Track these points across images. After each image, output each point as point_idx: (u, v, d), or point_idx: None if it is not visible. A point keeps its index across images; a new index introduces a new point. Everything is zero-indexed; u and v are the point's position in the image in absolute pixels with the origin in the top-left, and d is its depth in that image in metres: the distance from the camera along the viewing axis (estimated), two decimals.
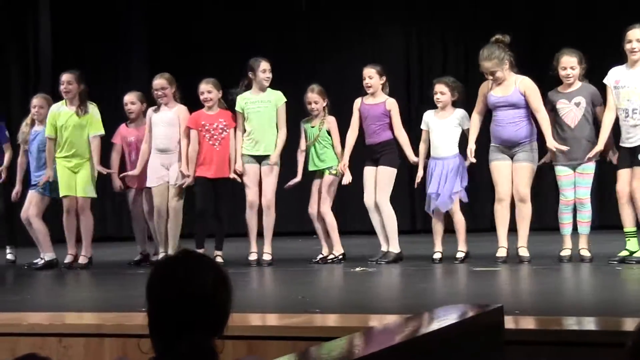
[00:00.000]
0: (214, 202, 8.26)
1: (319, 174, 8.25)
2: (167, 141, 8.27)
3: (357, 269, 7.50)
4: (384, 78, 8.07)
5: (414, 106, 11.56)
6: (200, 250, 7.83)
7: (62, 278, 7.86)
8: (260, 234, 8.25)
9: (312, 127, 8.23)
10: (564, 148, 7.27)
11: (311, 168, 8.26)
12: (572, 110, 7.36)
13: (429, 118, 7.89)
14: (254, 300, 5.60)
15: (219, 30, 12.63)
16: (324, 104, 8.20)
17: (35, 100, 8.75)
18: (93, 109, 8.42)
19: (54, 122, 8.37)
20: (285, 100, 8.24)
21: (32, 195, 8.59)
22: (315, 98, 8.16)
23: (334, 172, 8.16)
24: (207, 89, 8.24)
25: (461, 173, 7.74)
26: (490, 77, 7.47)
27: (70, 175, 8.34)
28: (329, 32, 12.51)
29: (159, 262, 2.57)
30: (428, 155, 7.92)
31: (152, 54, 12.87)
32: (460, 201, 7.82)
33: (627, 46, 7.09)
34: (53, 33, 12.05)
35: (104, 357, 4.44)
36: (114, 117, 9.19)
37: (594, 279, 6.62)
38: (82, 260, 8.43)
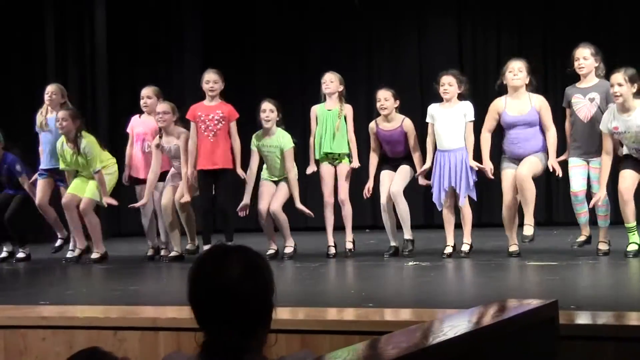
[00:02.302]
0: (215, 195, 8.17)
1: (331, 160, 8.21)
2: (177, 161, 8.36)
3: (410, 263, 7.49)
4: (398, 101, 8.10)
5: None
6: (207, 246, 7.90)
7: (109, 272, 7.93)
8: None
9: (329, 110, 8.20)
10: (559, 171, 7.43)
11: (325, 150, 8.17)
12: (586, 106, 7.40)
13: (434, 110, 7.87)
14: (306, 295, 5.61)
15: (272, 27, 12.66)
16: (340, 89, 8.21)
17: (50, 88, 8.86)
18: (86, 145, 8.41)
19: (63, 157, 8.51)
20: (293, 145, 8.14)
21: (45, 183, 8.84)
22: (331, 78, 8.21)
23: (352, 164, 8.18)
24: (214, 79, 8.18)
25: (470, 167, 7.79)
26: (511, 72, 7.50)
27: (83, 181, 8.54)
28: (383, 28, 12.46)
29: (196, 258, 2.59)
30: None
31: (206, 48, 12.95)
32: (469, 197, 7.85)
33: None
34: (108, 28, 12.17)
35: (158, 351, 4.47)
36: None
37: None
38: (94, 255, 8.58)
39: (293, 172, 8.14)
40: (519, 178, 7.45)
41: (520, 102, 7.56)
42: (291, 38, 12.53)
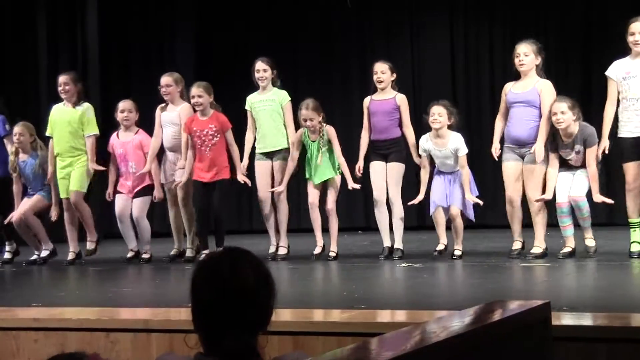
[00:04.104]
0: (210, 201, 8.15)
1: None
2: (173, 141, 8.36)
3: (402, 264, 7.49)
4: (395, 75, 8.06)
5: (461, 95, 11.48)
6: (206, 250, 7.89)
7: (102, 274, 7.90)
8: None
9: (313, 141, 8.06)
10: (540, 158, 7.32)
11: (320, 179, 8.08)
12: (575, 158, 7.35)
13: (428, 146, 7.79)
14: (299, 296, 5.60)
15: (265, 28, 12.65)
16: (319, 119, 8.02)
17: (17, 128, 8.75)
18: (87, 109, 8.50)
19: (52, 120, 8.53)
20: (290, 99, 8.20)
21: (28, 199, 8.78)
22: (310, 115, 7.98)
23: (348, 184, 8.04)
24: (198, 93, 8.06)
25: (470, 184, 7.75)
26: (517, 58, 7.48)
27: (65, 177, 8.49)
28: (376, 27, 12.46)
29: (202, 260, 2.56)
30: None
31: (199, 47, 12.95)
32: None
33: (630, 39, 7.18)
34: (100, 28, 12.14)
35: (151, 353, 4.46)
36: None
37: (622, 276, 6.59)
38: (89, 246, 8.61)
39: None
40: (529, 199, 7.50)
41: (525, 83, 7.54)
42: (284, 38, 12.50)
